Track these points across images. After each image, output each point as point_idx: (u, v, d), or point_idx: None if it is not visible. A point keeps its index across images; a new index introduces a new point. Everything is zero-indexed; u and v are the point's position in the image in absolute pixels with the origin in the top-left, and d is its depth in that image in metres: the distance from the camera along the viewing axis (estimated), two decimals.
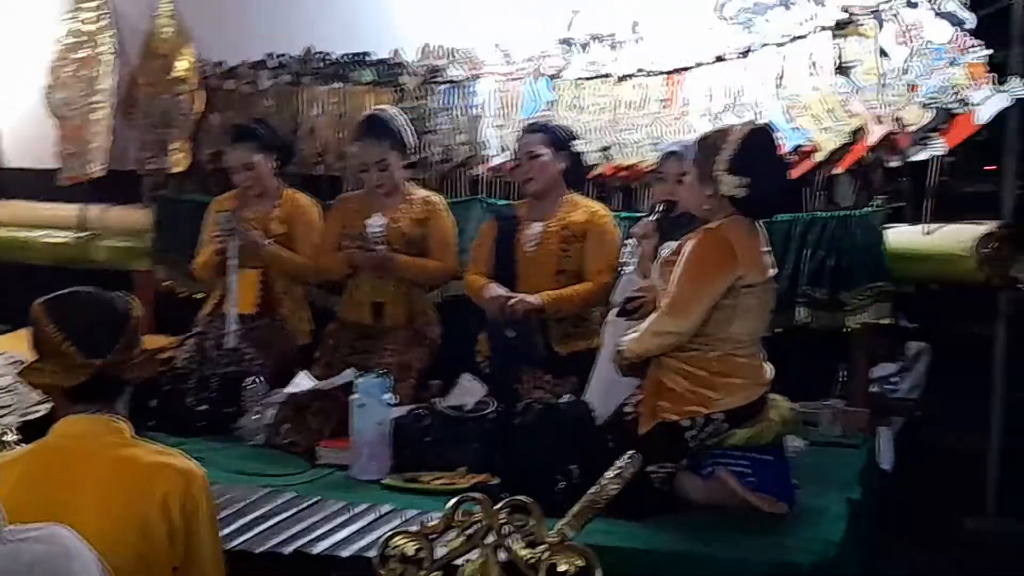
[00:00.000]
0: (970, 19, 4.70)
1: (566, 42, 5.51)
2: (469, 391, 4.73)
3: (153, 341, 4.75)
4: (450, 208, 5.24)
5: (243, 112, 5.98)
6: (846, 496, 3.90)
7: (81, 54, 6.40)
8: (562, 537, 2.40)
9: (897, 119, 4.80)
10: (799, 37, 5.02)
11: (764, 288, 3.83)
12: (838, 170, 4.98)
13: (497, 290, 4.77)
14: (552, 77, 5.51)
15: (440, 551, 2.42)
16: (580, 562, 2.35)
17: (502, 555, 2.38)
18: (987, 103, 4.70)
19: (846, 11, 4.89)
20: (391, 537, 2.45)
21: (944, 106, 4.75)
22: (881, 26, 4.85)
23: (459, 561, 2.40)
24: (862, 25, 4.90)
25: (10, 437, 4.03)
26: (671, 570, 3.34)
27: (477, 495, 2.45)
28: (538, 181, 4.88)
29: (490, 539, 2.40)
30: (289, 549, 3.13)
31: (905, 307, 5.18)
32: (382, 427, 4.12)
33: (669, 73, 5.30)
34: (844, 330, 4.91)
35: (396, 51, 5.83)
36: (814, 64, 4.97)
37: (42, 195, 6.59)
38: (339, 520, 3.34)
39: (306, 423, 4.47)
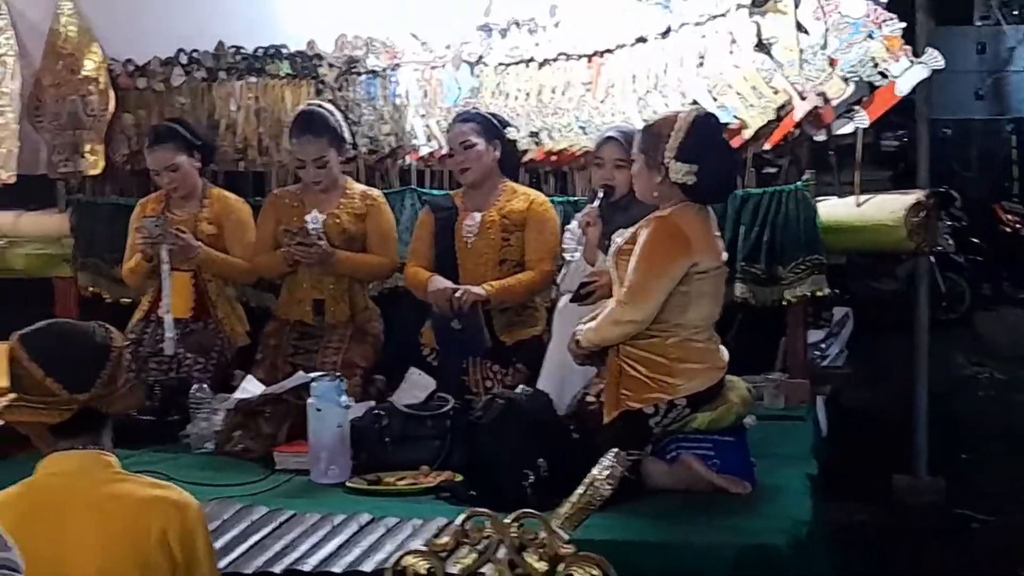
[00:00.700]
0: None
1: (485, 28, 5.51)
2: (418, 384, 4.74)
3: None
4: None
5: (157, 111, 5.86)
6: (805, 472, 3.99)
7: None
8: (576, 547, 2.42)
9: (820, 94, 4.90)
10: (718, 15, 5.08)
11: (717, 273, 3.90)
12: (766, 146, 5.07)
13: (442, 283, 4.75)
14: (473, 64, 5.51)
15: (452, 568, 2.43)
16: (595, 571, 2.37)
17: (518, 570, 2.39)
18: (906, 75, 4.83)
19: None
20: (402, 557, 2.46)
21: (865, 79, 4.87)
22: (798, 3, 4.94)
23: None
24: (780, 1, 4.97)
25: None
26: (646, 560, 3.30)
27: (486, 511, 2.46)
28: (474, 171, 4.86)
29: (502, 553, 2.41)
30: (279, 568, 3.10)
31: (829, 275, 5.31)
32: (341, 429, 4.10)
33: (590, 56, 5.33)
34: (781, 303, 5.02)
35: (311, 42, 5.77)
36: (734, 42, 5.04)
37: None
38: (322, 533, 3.31)
39: (259, 428, 4.41)
